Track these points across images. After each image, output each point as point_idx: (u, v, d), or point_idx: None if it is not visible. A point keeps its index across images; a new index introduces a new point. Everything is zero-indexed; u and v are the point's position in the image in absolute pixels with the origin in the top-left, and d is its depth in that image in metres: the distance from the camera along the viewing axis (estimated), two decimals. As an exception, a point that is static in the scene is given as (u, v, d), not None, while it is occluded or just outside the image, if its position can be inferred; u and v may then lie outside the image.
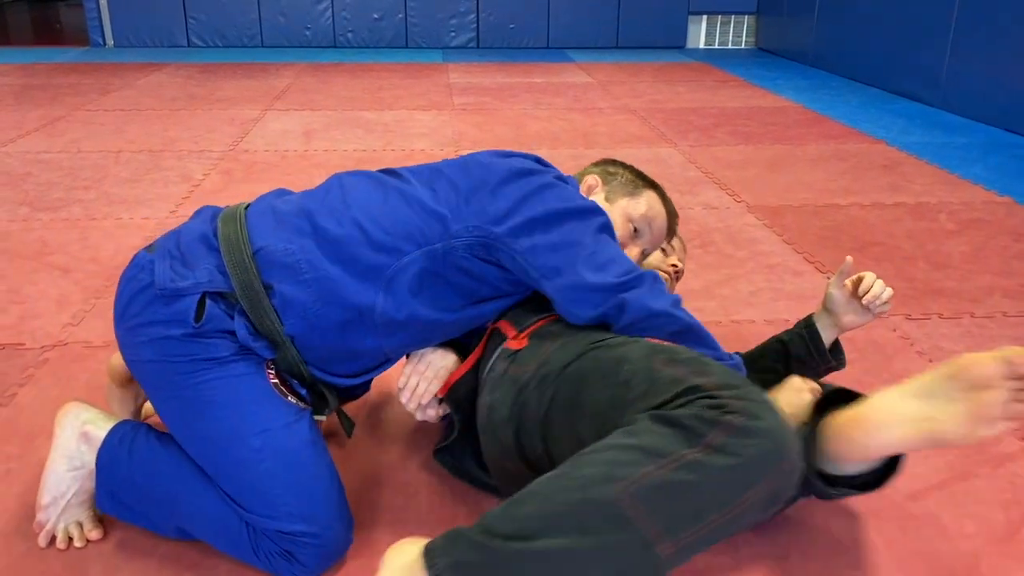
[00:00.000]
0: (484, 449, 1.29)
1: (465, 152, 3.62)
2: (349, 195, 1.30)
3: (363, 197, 1.30)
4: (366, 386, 1.49)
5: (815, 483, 1.13)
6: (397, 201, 1.29)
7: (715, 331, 1.29)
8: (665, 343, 1.18)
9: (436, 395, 1.37)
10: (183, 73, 5.69)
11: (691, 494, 0.88)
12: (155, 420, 1.49)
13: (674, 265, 1.65)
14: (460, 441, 1.39)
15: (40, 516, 1.26)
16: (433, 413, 1.39)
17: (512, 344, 1.28)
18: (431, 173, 1.35)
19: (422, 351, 1.38)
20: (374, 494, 1.41)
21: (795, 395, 1.21)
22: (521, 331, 1.29)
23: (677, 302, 1.25)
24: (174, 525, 1.24)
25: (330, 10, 7.00)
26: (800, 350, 1.50)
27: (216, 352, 1.20)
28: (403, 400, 1.38)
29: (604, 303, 1.22)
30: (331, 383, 1.31)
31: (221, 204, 1.39)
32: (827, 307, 1.47)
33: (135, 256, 1.29)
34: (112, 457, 1.25)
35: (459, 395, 1.34)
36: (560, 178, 1.35)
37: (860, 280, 1.42)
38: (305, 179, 3.22)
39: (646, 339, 1.19)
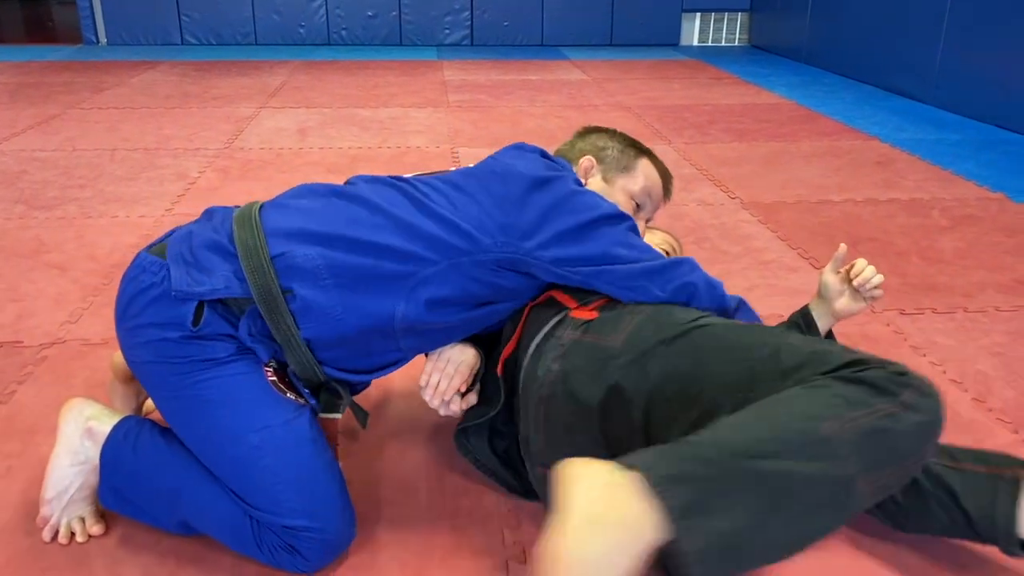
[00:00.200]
0: (535, 420, 1.26)
1: (460, 149, 3.67)
2: (372, 202, 1.28)
3: (387, 205, 1.28)
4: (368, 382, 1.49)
5: (1012, 549, 1.17)
6: (421, 211, 1.28)
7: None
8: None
9: (458, 390, 1.38)
10: (177, 71, 5.68)
11: (889, 441, 0.96)
12: (157, 416, 1.49)
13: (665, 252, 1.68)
14: (480, 425, 1.39)
15: (43, 511, 1.27)
16: (456, 408, 1.39)
17: (581, 314, 1.28)
18: (449, 184, 1.34)
19: (441, 348, 1.38)
20: (375, 489, 1.42)
21: None
22: (584, 304, 1.31)
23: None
24: (177, 519, 1.24)
25: (324, 8, 7.00)
26: None
27: (214, 353, 1.20)
28: (426, 398, 1.38)
29: (668, 285, 1.29)
30: (344, 379, 1.31)
31: (217, 202, 1.38)
32: (821, 294, 1.51)
33: (137, 256, 1.28)
34: (116, 453, 1.26)
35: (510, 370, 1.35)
36: (577, 182, 1.37)
37: (853, 266, 1.46)
38: (300, 177, 3.22)
39: (735, 320, 1.30)
